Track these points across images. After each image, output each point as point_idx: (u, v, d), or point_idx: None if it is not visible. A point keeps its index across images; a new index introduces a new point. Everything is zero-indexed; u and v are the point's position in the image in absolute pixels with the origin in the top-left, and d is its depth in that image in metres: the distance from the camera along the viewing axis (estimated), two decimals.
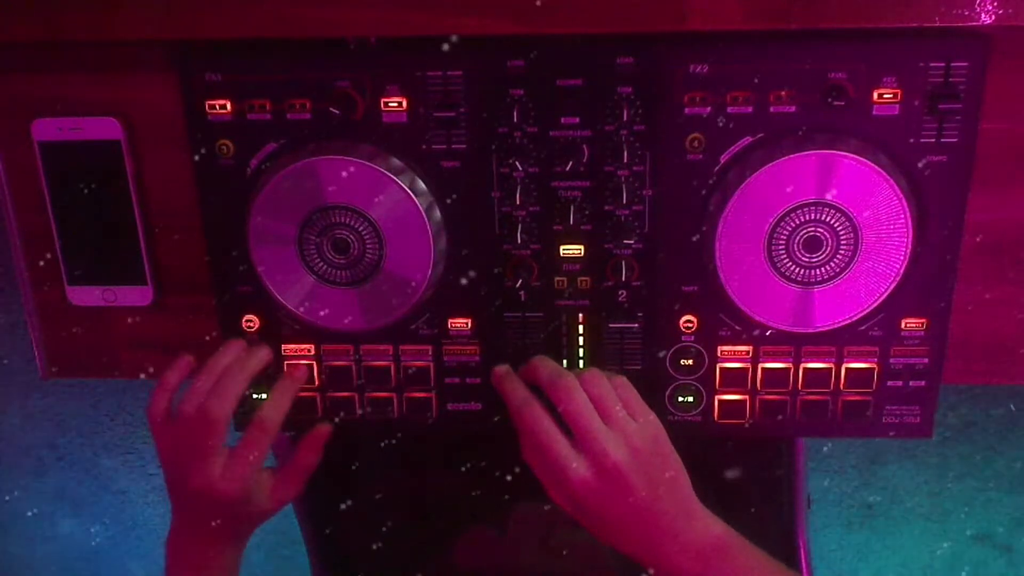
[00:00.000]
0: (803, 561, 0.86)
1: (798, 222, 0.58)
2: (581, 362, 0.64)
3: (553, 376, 0.60)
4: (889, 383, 0.63)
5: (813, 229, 0.58)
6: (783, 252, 0.58)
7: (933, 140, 0.57)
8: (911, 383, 0.63)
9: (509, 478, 0.78)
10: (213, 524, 0.63)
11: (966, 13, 0.52)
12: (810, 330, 0.61)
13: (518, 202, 0.60)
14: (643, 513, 0.58)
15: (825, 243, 0.58)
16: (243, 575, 0.68)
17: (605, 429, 0.57)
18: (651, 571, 0.59)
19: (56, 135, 0.62)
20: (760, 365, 0.63)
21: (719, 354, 0.63)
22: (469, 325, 0.64)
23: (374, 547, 0.82)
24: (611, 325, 0.64)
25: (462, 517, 0.80)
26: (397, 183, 0.58)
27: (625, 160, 0.59)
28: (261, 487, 0.63)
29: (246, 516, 0.64)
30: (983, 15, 0.52)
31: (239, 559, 0.66)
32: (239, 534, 0.66)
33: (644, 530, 0.58)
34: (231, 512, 0.62)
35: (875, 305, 0.59)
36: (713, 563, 0.58)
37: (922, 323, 0.61)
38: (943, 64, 0.55)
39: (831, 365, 0.63)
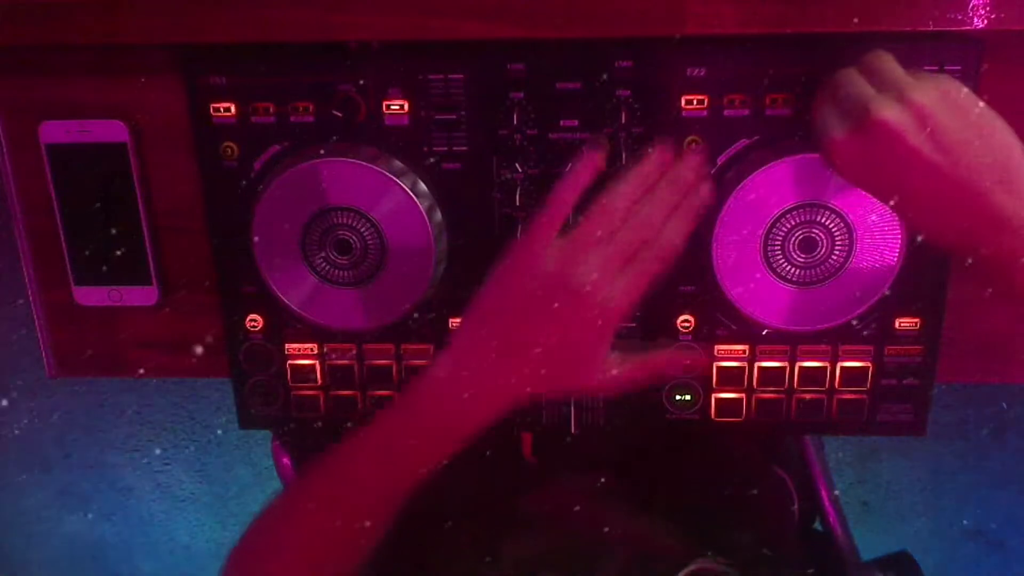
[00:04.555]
0: (823, 490, 0.86)
1: (794, 223, 0.58)
2: None
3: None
4: (883, 381, 0.64)
5: (808, 230, 0.58)
6: (779, 252, 0.59)
7: None
8: (905, 381, 0.64)
9: (513, 470, 0.78)
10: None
11: (960, 17, 0.53)
12: (806, 329, 0.62)
13: (518, 203, 0.61)
14: (954, 167, 0.49)
15: (820, 244, 0.59)
16: None
17: (910, 78, 0.51)
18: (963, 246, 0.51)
19: (63, 137, 0.63)
20: (756, 364, 0.64)
21: (716, 353, 0.64)
22: None
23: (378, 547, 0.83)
24: None
25: (467, 509, 0.81)
26: (399, 185, 0.59)
27: (624, 162, 0.60)
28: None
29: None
30: (976, 20, 0.53)
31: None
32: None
33: (956, 192, 0.49)
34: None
35: (870, 304, 0.60)
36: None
37: (916, 322, 0.62)
38: (937, 68, 0.56)
39: (826, 364, 0.64)
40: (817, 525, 0.87)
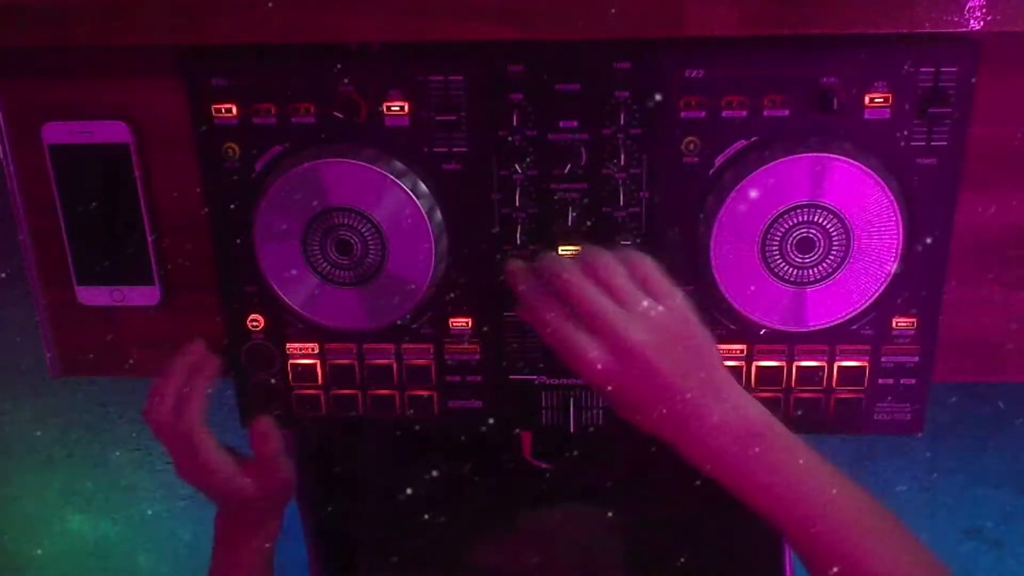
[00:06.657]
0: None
1: (791, 223, 0.59)
2: None
3: (555, 268, 0.56)
4: (880, 381, 0.64)
5: (806, 230, 0.59)
6: (777, 253, 0.60)
7: (923, 144, 0.58)
8: (902, 381, 0.64)
9: (513, 478, 0.79)
10: (224, 509, 0.70)
11: (956, 19, 0.53)
12: (803, 329, 0.62)
13: (518, 204, 0.61)
14: (666, 392, 0.55)
15: (818, 244, 0.59)
16: None
17: (617, 310, 0.54)
18: (682, 451, 0.57)
19: (66, 138, 0.64)
20: (754, 363, 0.64)
21: None
22: (469, 325, 0.65)
23: (376, 544, 0.83)
24: None
25: (465, 514, 0.81)
26: (399, 185, 0.59)
27: (622, 163, 0.60)
28: (238, 479, 0.68)
29: (242, 503, 0.69)
30: (973, 21, 0.53)
31: (268, 544, 0.72)
32: (253, 520, 0.71)
33: (670, 410, 0.55)
34: (225, 500, 0.70)
35: (867, 304, 0.60)
36: (747, 449, 0.55)
37: (913, 322, 0.63)
38: (933, 69, 0.56)
39: (824, 363, 0.64)
40: None
